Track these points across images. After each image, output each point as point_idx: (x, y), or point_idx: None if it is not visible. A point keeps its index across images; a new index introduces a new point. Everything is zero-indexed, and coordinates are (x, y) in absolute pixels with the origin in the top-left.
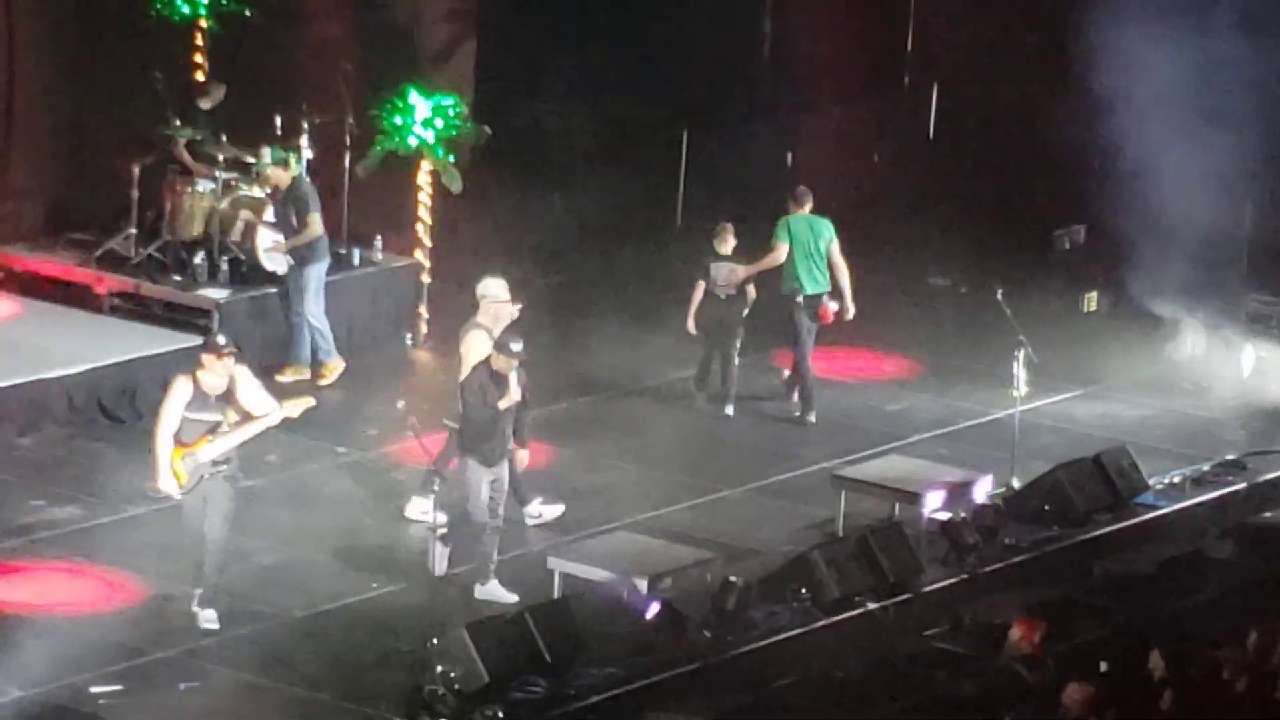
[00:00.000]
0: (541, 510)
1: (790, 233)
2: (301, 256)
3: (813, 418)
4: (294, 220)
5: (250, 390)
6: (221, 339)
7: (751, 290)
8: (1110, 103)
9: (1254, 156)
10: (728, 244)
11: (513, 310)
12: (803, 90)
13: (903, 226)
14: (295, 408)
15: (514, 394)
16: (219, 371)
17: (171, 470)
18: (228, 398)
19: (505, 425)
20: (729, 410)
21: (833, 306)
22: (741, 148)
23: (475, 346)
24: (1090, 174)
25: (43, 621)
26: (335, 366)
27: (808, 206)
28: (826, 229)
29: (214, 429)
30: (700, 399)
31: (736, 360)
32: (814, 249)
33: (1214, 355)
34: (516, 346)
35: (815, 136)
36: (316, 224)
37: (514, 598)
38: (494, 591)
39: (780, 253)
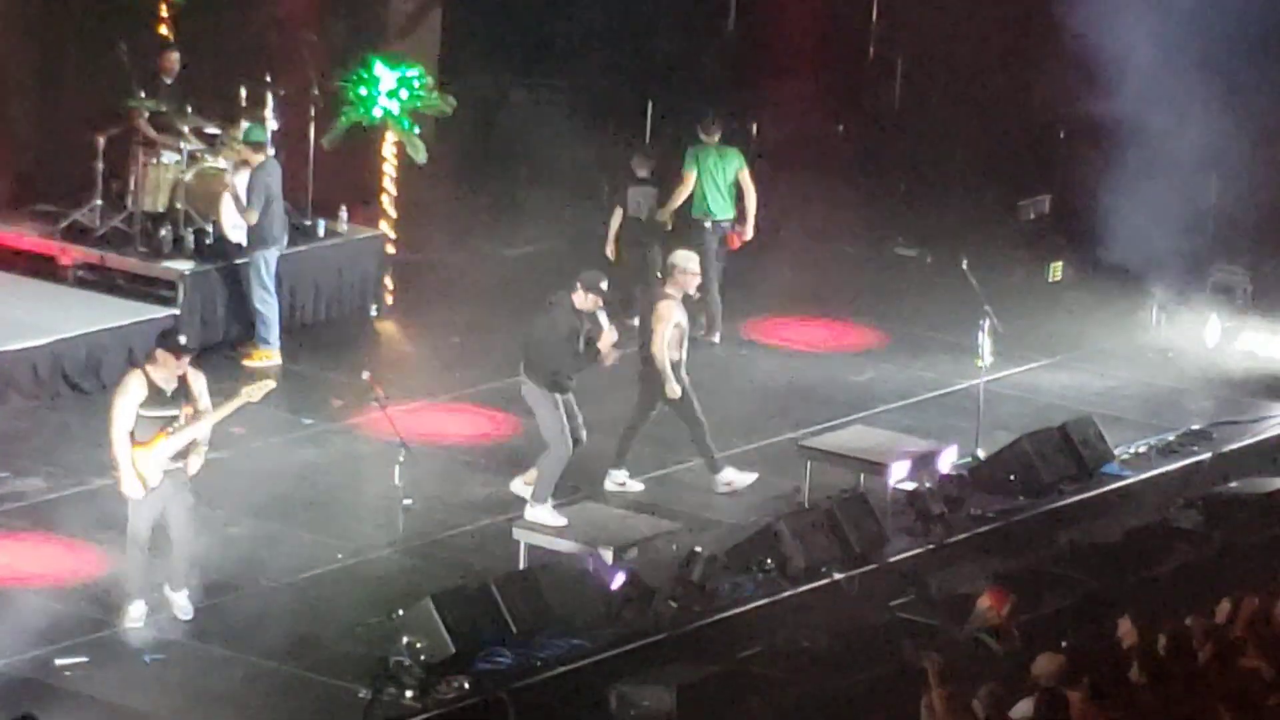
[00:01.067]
0: (733, 478)
1: (698, 162)
2: (250, 241)
3: (716, 338)
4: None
5: (201, 382)
6: (183, 339)
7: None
8: (1075, 74)
9: (1218, 129)
10: (644, 167)
11: (692, 282)
12: (768, 61)
13: (868, 197)
14: (256, 391)
15: (609, 334)
16: (173, 370)
17: (135, 472)
18: (183, 391)
19: (581, 365)
20: (715, 338)
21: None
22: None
23: (665, 314)
24: (1055, 144)
25: (6, 593)
26: (269, 355)
27: (716, 136)
28: (736, 158)
29: (169, 424)
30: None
31: (716, 289)
32: (722, 177)
33: (1179, 325)
34: (604, 284)
35: (780, 107)
36: (253, 215)
37: (563, 521)
38: (540, 514)
39: (689, 181)
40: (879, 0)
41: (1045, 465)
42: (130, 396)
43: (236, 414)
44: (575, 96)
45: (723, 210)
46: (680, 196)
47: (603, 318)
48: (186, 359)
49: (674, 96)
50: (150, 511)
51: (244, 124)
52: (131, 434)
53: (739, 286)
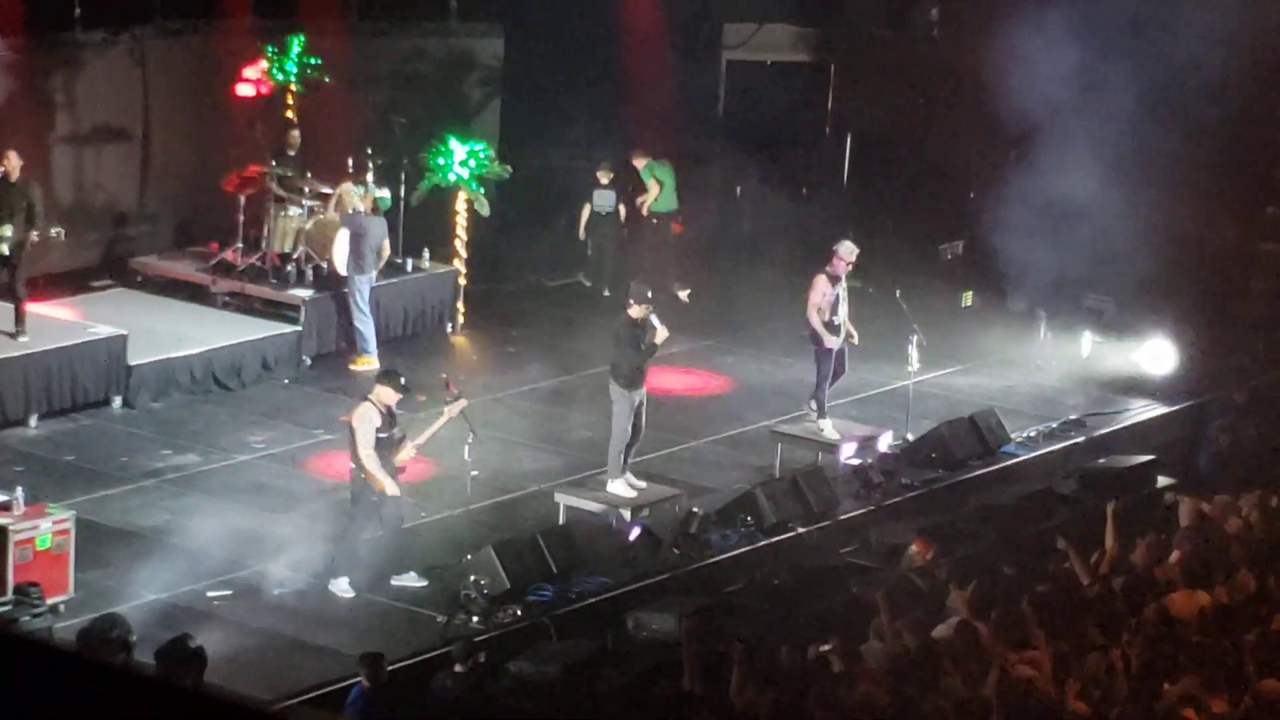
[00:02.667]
0: (823, 425)
1: (655, 173)
2: (361, 269)
3: (685, 296)
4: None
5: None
6: (403, 379)
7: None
8: (983, 144)
9: (1093, 188)
10: (607, 176)
11: (844, 270)
12: (750, 142)
13: (824, 244)
14: (456, 408)
15: (662, 331)
16: (393, 399)
17: (386, 475)
18: (392, 413)
19: (647, 358)
20: (606, 292)
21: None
22: (701, 182)
23: (815, 287)
24: (967, 201)
25: (172, 542)
26: (369, 361)
27: (655, 155)
28: (670, 169)
29: (399, 441)
30: (588, 281)
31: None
32: (669, 183)
33: (1060, 340)
34: (649, 294)
35: (759, 177)
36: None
37: (634, 493)
38: (616, 486)
39: (654, 188)
40: (834, 88)
41: (958, 446)
42: (371, 424)
43: (343, 400)
44: (598, 163)
45: (669, 206)
46: (650, 200)
47: (654, 319)
48: (400, 395)
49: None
50: (382, 507)
51: (347, 185)
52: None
53: (727, 307)
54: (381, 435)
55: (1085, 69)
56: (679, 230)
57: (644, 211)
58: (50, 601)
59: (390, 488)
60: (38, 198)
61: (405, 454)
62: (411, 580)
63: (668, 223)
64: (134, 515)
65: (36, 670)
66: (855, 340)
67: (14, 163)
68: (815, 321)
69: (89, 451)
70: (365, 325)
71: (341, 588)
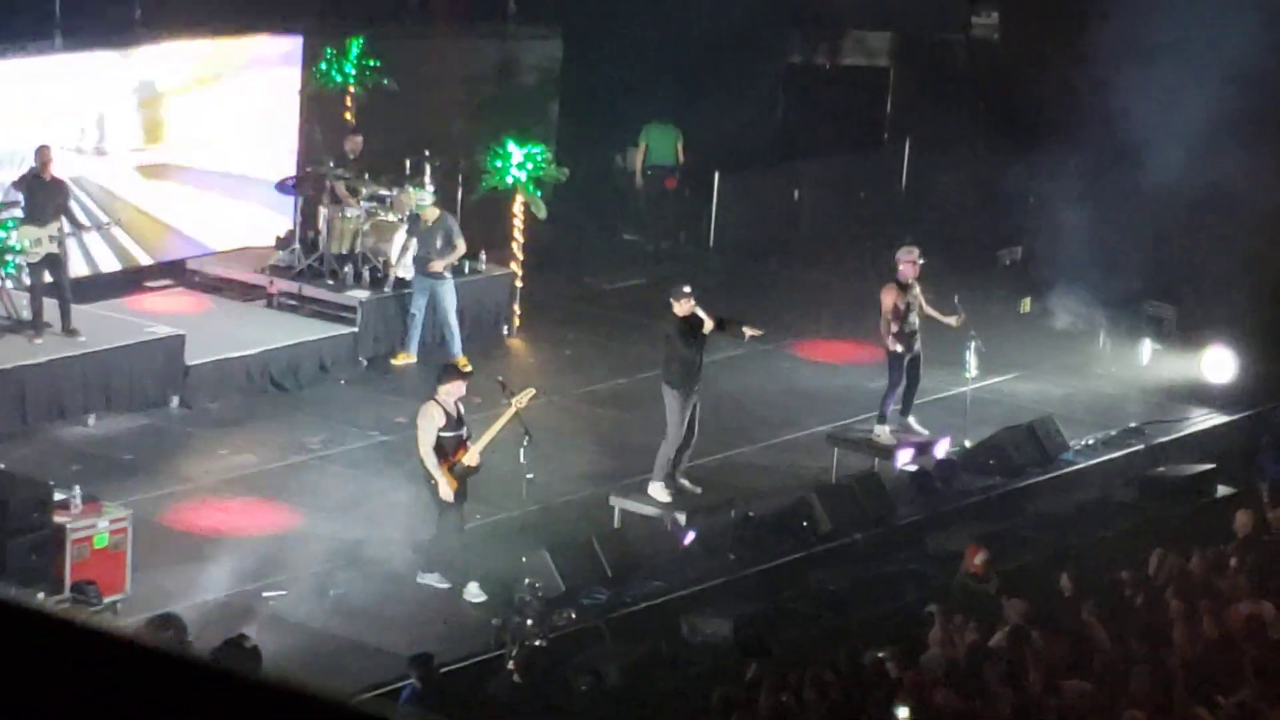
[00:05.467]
0: (880, 430)
1: (649, 136)
2: (453, 270)
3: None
4: (440, 243)
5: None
6: (462, 368)
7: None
8: (1042, 154)
9: (1152, 196)
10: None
11: (912, 273)
12: (811, 145)
13: (884, 251)
14: (524, 398)
15: (709, 322)
16: (454, 394)
17: (448, 480)
18: (459, 413)
19: (699, 355)
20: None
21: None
22: (761, 188)
23: (886, 295)
24: (1027, 208)
25: (228, 542)
26: (409, 357)
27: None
28: (669, 130)
29: (462, 441)
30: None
31: None
32: (663, 143)
33: (1119, 347)
34: (686, 289)
35: (819, 181)
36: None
37: (667, 498)
38: (655, 490)
39: (640, 149)
40: (892, 94)
41: (1016, 453)
42: (433, 424)
43: (403, 399)
44: (656, 168)
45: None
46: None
47: (700, 311)
48: (465, 382)
49: (735, 169)
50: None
51: (427, 191)
52: (437, 449)
53: (782, 311)
54: (446, 435)
55: (1147, 75)
56: (671, 185)
57: (638, 170)
58: (107, 600)
59: (445, 491)
60: (74, 195)
61: (470, 457)
62: (436, 581)
63: (662, 178)
64: (190, 515)
65: (117, 665)
66: (956, 321)
67: (51, 159)
68: (886, 329)
69: (146, 451)
70: (413, 324)
71: (434, 580)
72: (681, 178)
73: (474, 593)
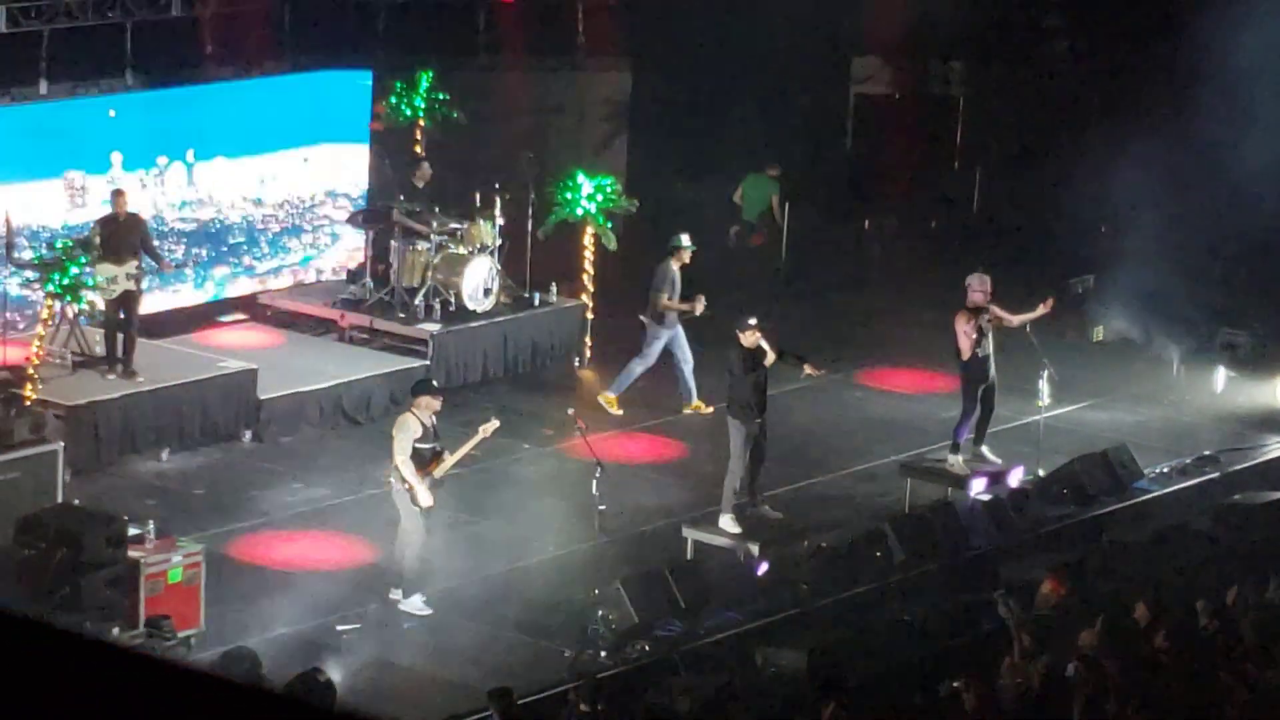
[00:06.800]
0: (953, 460)
1: (744, 185)
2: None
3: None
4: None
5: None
6: (435, 384)
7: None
8: (1114, 183)
9: (1226, 225)
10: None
11: (982, 300)
12: (876, 170)
13: (955, 276)
14: (489, 428)
15: (771, 355)
16: (432, 409)
17: (425, 488)
18: (434, 427)
19: (763, 386)
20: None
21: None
22: (831, 216)
23: (959, 323)
24: (1099, 236)
25: (302, 576)
26: (697, 405)
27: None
28: (765, 183)
29: (438, 454)
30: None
31: None
32: (756, 195)
33: (1194, 375)
34: (751, 321)
35: (889, 210)
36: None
37: (737, 529)
38: (725, 523)
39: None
40: (962, 122)
41: (1090, 482)
42: (409, 435)
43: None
44: (726, 199)
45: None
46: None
47: (764, 343)
48: (440, 400)
49: (802, 200)
50: (422, 520)
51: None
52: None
53: (852, 340)
54: (421, 446)
55: (1215, 102)
56: (758, 241)
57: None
58: (181, 635)
59: (424, 498)
60: (147, 233)
61: (442, 469)
62: (416, 607)
63: (750, 231)
64: (264, 549)
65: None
66: (1045, 307)
67: (125, 202)
68: (964, 354)
69: (219, 485)
70: (681, 372)
71: (416, 606)
72: (772, 235)
73: (417, 605)
